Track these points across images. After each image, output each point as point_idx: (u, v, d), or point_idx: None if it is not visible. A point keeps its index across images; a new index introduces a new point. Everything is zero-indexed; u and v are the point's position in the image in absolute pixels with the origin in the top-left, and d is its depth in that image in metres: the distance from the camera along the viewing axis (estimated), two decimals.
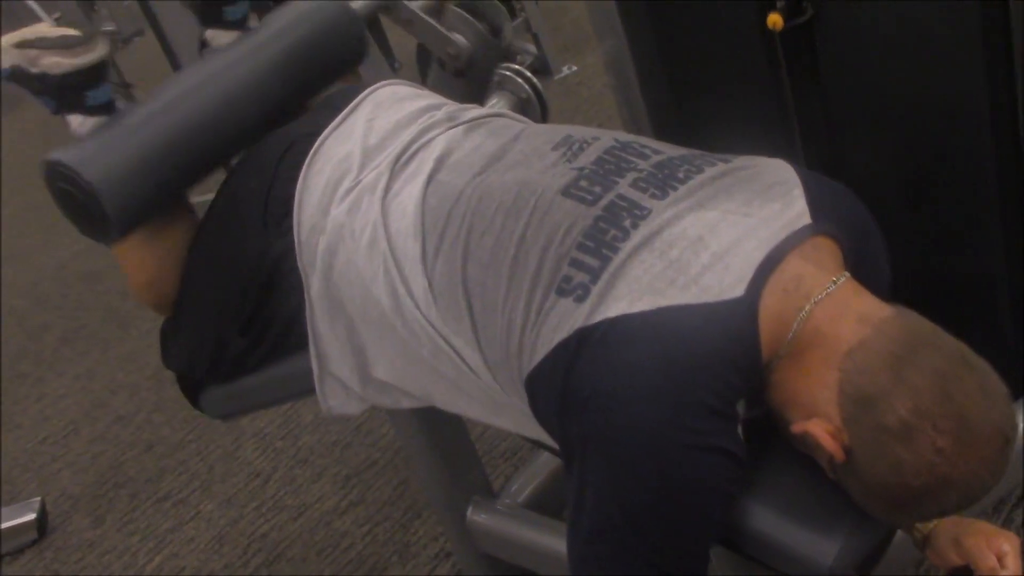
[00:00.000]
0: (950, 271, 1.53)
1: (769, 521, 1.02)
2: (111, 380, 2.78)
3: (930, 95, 1.40)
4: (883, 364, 0.91)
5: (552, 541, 1.51)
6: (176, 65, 2.83)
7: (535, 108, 1.79)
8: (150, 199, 1.29)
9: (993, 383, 0.92)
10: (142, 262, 1.38)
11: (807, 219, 1.01)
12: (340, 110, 1.30)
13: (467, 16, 1.56)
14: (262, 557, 2.03)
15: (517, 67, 1.74)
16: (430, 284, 1.11)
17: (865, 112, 1.46)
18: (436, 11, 1.61)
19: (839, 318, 0.95)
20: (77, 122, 1.34)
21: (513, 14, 3.47)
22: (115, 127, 1.30)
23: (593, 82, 3.37)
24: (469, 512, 1.66)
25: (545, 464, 1.71)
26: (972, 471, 0.90)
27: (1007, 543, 1.05)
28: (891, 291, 1.10)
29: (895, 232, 1.51)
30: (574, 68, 3.52)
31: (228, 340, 1.31)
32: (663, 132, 1.65)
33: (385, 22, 2.28)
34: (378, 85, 1.35)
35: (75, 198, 1.24)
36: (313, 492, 2.14)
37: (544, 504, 1.66)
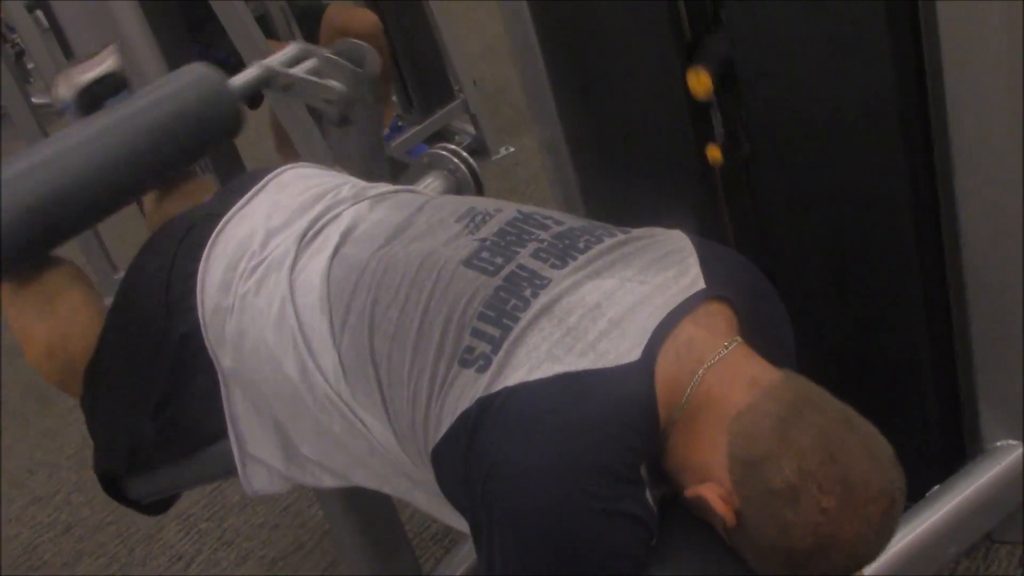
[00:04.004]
0: (876, 355, 1.56)
1: None
2: (29, 459, 2.69)
3: (853, 189, 1.45)
4: (769, 427, 0.92)
5: None
6: None
7: (470, 188, 1.80)
8: (17, 253, 1.30)
9: (878, 445, 0.93)
10: (36, 332, 1.35)
11: (701, 285, 1.03)
12: (243, 193, 1.31)
13: (335, 59, 1.61)
14: None
15: (453, 147, 1.76)
16: (339, 358, 1.10)
17: (793, 205, 1.51)
18: (314, 72, 1.67)
19: (730, 382, 0.96)
20: None
21: (452, 96, 3.54)
22: None
23: (530, 163, 3.42)
24: None
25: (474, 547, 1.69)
26: (857, 532, 0.90)
27: None
28: (794, 354, 1.12)
29: (823, 318, 1.55)
30: (511, 149, 3.59)
31: (143, 431, 1.28)
32: (596, 216, 1.68)
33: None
34: (283, 168, 1.36)
35: None
36: None
37: None
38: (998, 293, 1.44)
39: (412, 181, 1.70)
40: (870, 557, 0.94)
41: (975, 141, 1.35)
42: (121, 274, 3.10)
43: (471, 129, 3.57)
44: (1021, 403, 1.50)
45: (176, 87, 1.47)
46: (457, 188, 1.81)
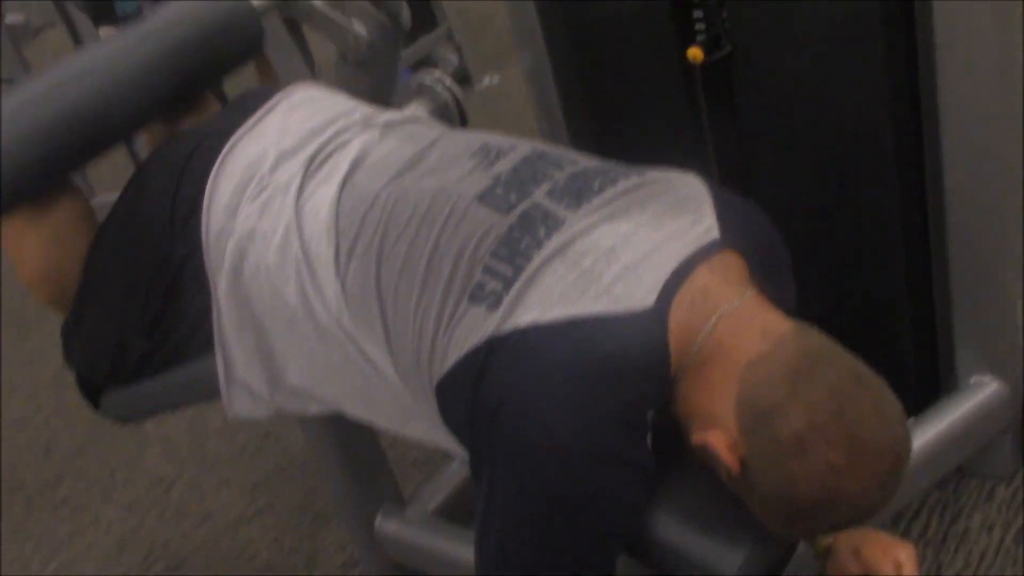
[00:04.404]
0: (854, 293, 1.57)
1: (675, 530, 1.04)
2: (8, 382, 2.69)
3: (838, 126, 1.45)
4: (780, 378, 0.92)
5: (461, 550, 1.51)
6: None
7: (454, 116, 1.79)
8: (32, 177, 1.26)
9: (888, 402, 0.93)
10: (32, 254, 1.34)
11: (716, 234, 1.02)
12: (251, 111, 1.28)
13: (366, 4, 1.57)
14: (163, 564, 1.98)
15: (439, 73, 1.74)
16: (343, 288, 1.10)
17: (777, 140, 1.50)
18: (335, 3, 1.62)
19: (742, 332, 0.96)
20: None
21: (436, 23, 3.49)
22: None
23: (514, 94, 3.38)
24: (378, 520, 1.65)
25: (456, 473, 1.71)
26: (863, 487, 0.91)
27: (903, 552, 1.09)
28: (795, 307, 1.13)
29: (802, 255, 1.55)
30: (496, 79, 3.54)
31: (131, 342, 1.27)
32: (580, 147, 1.67)
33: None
34: (293, 88, 1.33)
35: None
36: (219, 499, 2.10)
37: (454, 512, 1.66)
38: (978, 229, 1.44)
39: (396, 105, 1.68)
40: (873, 512, 0.94)
41: (962, 68, 1.32)
42: (99, 199, 3.07)
43: (454, 58, 3.52)
44: (997, 340, 1.52)
45: (195, 5, 1.42)
46: (441, 115, 1.79)
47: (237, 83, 1.74)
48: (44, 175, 1.28)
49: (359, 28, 1.57)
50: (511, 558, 1.00)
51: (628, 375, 0.94)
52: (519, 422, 0.94)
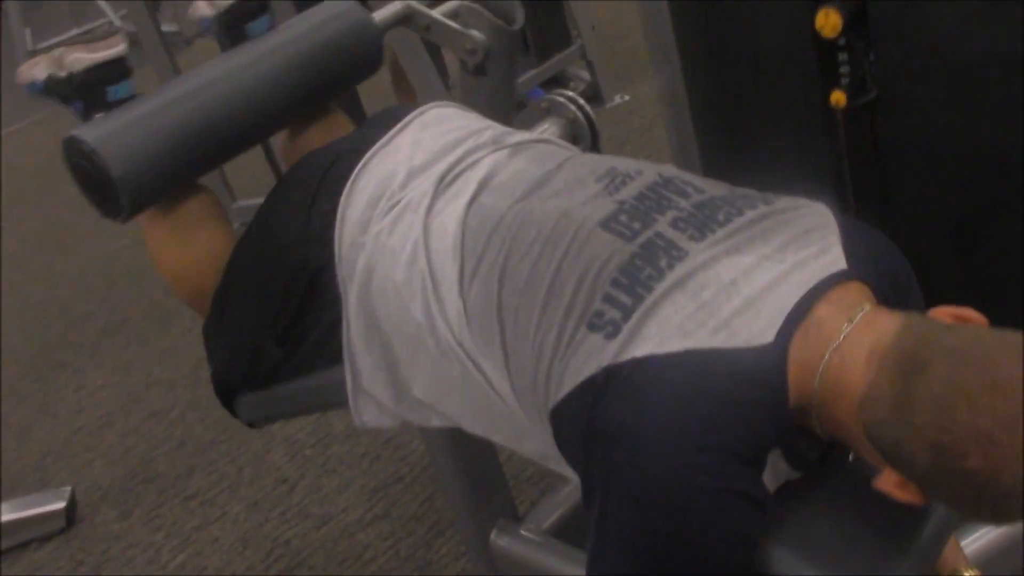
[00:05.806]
0: (992, 323, 1.51)
1: None
2: (148, 375, 2.82)
3: (982, 147, 1.40)
4: (889, 411, 0.89)
5: (574, 570, 1.51)
6: None
7: (585, 135, 1.79)
8: (162, 181, 1.34)
9: (1003, 368, 0.85)
10: (166, 250, 1.42)
11: (842, 265, 1.00)
12: (386, 129, 1.32)
13: (480, 10, 1.61)
14: (284, 563, 2.04)
15: (571, 94, 1.75)
16: (465, 306, 1.12)
17: (915, 153, 1.46)
18: (452, 15, 1.68)
19: (851, 363, 0.93)
20: None
21: (569, 41, 3.51)
22: (133, 111, 1.36)
23: (644, 112, 3.37)
24: (493, 535, 1.66)
25: (571, 492, 1.71)
26: (1018, 461, 0.84)
27: None
28: None
29: (941, 281, 1.50)
30: (626, 97, 3.54)
31: (265, 349, 1.33)
32: (712, 170, 1.66)
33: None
34: (426, 107, 1.37)
35: (91, 174, 1.30)
36: (339, 502, 2.15)
37: (568, 532, 1.65)
38: None
39: (528, 124, 1.70)
40: None
41: None
42: (239, 203, 3.19)
43: (586, 75, 3.53)
44: None
45: (319, 21, 1.48)
46: (573, 136, 1.80)
47: (378, 102, 1.79)
48: (174, 178, 1.36)
49: (476, 34, 1.61)
50: None
51: (742, 410, 0.93)
52: (632, 452, 0.94)
